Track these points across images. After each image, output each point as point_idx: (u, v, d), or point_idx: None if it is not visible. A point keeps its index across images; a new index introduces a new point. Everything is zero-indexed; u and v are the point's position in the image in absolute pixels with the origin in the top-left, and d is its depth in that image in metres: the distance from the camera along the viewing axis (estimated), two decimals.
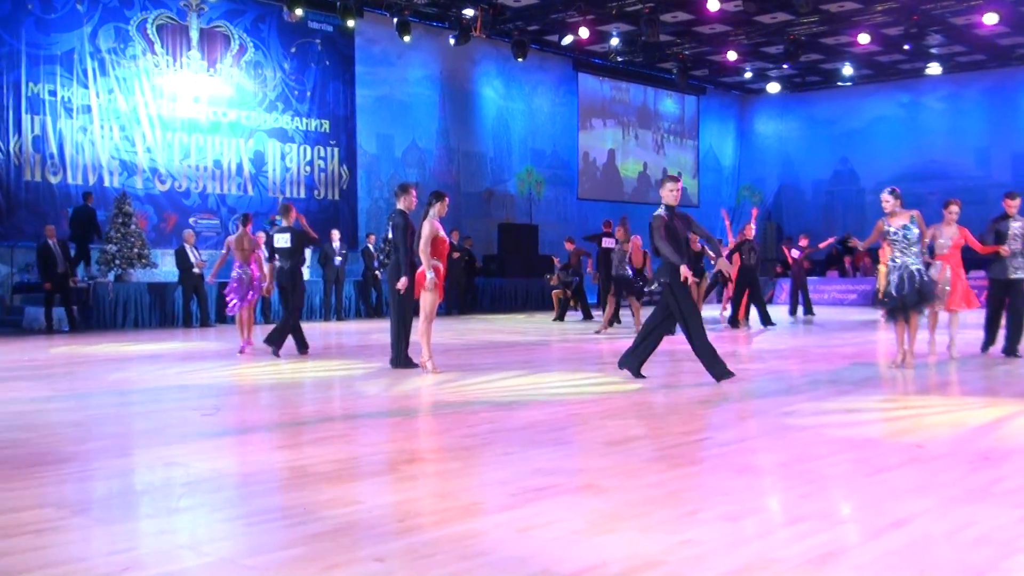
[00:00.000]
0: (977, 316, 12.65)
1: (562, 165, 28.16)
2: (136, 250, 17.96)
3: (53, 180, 18.55)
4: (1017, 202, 11.00)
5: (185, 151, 20.34)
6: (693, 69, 29.07)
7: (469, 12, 22.45)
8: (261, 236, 13.90)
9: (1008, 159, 28.56)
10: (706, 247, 14.71)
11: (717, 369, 8.74)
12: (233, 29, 21.16)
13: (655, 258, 10.66)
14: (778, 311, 20.45)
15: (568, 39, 24.27)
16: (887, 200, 9.83)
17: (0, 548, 3.77)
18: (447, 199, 10.21)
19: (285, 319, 11.98)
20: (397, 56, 23.87)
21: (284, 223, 12.24)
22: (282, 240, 12.10)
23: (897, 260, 9.74)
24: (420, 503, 4.49)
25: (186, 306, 18.08)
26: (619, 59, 28.04)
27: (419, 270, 9.75)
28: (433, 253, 9.74)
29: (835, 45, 26.90)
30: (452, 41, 23.63)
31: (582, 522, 4.07)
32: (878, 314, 12.16)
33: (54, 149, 18.56)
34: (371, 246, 20.95)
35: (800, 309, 19.49)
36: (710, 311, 19.01)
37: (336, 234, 20.45)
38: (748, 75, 30.51)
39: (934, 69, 28.38)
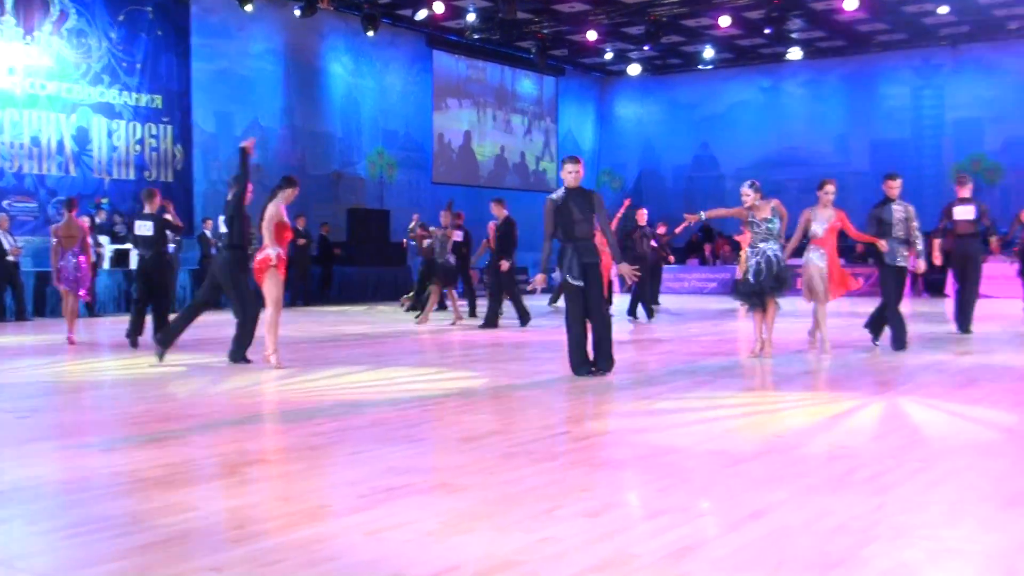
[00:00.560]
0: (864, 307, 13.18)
1: (415, 147, 28.07)
2: None
3: None
4: (899, 183, 10.99)
5: None
6: (552, 49, 29.37)
7: None
8: (85, 220, 13.42)
9: (866, 146, 29.87)
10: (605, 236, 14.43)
11: (573, 363, 8.87)
12: None
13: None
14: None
15: (422, 14, 24.18)
16: (747, 194, 10.17)
17: None
18: (298, 186, 10.03)
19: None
20: (237, 28, 23.32)
21: (147, 209, 11.94)
22: (144, 228, 11.83)
23: (756, 247, 10.13)
24: (262, 508, 4.42)
25: None
26: (475, 36, 28.10)
27: (259, 256, 9.56)
28: (279, 238, 9.58)
29: (696, 27, 27.60)
30: (297, 13, 23.23)
31: (436, 523, 4.08)
32: (737, 303, 12.53)
33: None
34: (208, 232, 20.44)
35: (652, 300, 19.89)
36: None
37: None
38: (608, 56, 31.02)
39: (795, 54, 29.43)
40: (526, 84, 31.66)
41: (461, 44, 28.80)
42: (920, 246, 10.99)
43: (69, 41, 20.47)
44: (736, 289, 10.70)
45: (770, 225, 10.10)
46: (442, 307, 17.99)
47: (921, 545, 3.76)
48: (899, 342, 10.83)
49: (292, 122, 24.66)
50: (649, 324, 15.39)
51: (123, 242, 18.96)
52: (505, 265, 14.88)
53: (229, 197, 10.40)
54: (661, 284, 20.53)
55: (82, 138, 20.63)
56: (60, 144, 20.28)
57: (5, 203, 19.25)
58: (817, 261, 10.57)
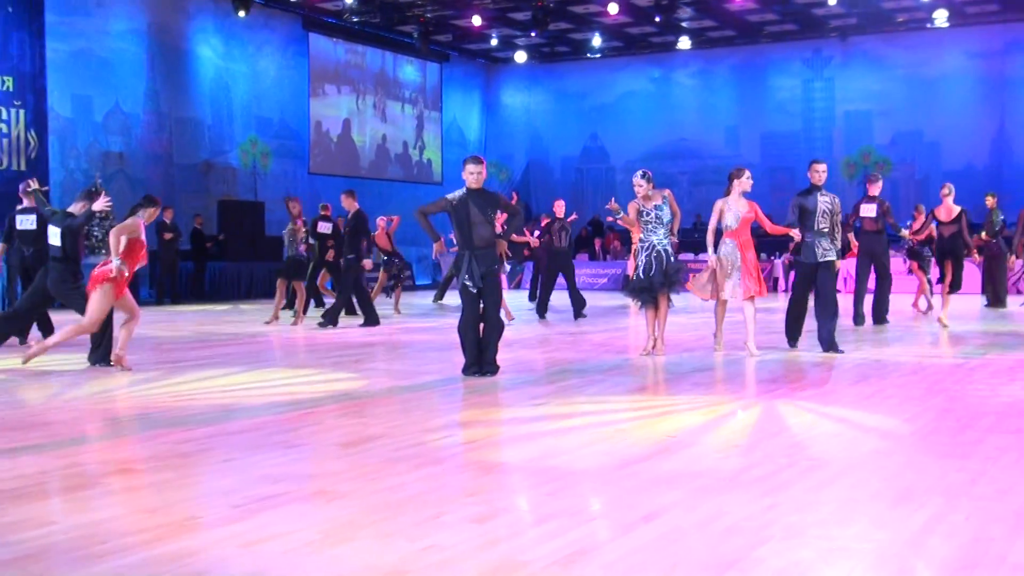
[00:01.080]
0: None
1: (291, 135, 27.69)
2: None
3: None
4: (824, 167, 10.72)
5: None
6: (435, 34, 29.32)
7: None
8: None
9: (757, 139, 30.58)
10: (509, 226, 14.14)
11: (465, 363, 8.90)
12: None
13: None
14: (520, 297, 21.02)
15: None
16: (640, 184, 10.29)
17: None
18: (160, 206, 9.80)
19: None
20: (96, 4, 22.66)
21: (26, 203, 11.65)
22: (26, 222, 11.52)
23: (645, 241, 10.26)
24: (127, 520, 4.32)
25: None
26: (354, 19, 27.87)
27: (100, 267, 9.20)
28: (130, 255, 9.24)
29: (585, 14, 27.86)
30: None
31: (315, 532, 4.04)
32: (628, 300, 12.70)
33: None
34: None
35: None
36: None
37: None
38: (494, 42, 31.09)
39: (684, 43, 29.96)
40: (408, 70, 31.54)
41: (339, 27, 28.52)
42: (839, 243, 10.70)
43: None
44: (626, 286, 10.84)
45: (660, 212, 10.23)
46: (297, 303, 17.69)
47: (814, 545, 3.87)
48: (790, 338, 10.96)
49: (157, 108, 24.07)
50: (545, 320, 15.45)
51: None
52: (368, 264, 15.00)
53: (74, 210, 10.07)
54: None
55: None
56: None
57: None
58: (729, 255, 10.38)
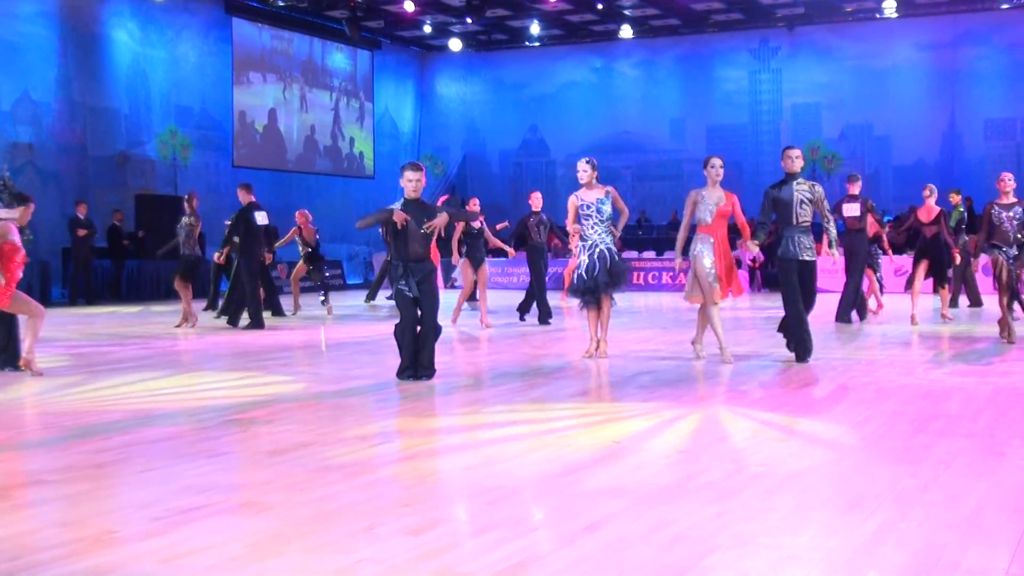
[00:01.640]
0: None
1: (213, 126, 27.43)
2: None
3: None
4: (799, 153, 10.01)
5: None
6: (366, 20, 29.20)
7: None
8: None
9: (703, 132, 30.85)
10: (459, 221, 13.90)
11: (399, 365, 8.88)
12: None
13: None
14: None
15: None
16: (584, 170, 10.32)
17: None
18: (32, 205, 9.59)
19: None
20: None
21: None
22: None
23: (587, 240, 10.25)
24: (40, 535, 4.27)
25: None
26: (280, 3, 27.68)
27: None
28: (3, 262, 8.97)
29: (522, 1, 27.93)
30: None
31: (241, 547, 4.01)
32: (571, 300, 12.74)
33: None
34: None
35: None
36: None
37: None
38: (428, 29, 31.05)
39: (627, 32, 30.14)
40: (338, 58, 31.37)
41: (264, 11, 28.30)
42: (834, 232, 10.02)
43: None
44: (570, 286, 10.83)
45: (601, 206, 10.23)
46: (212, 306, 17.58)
47: (763, 553, 3.92)
48: (802, 351, 9.95)
49: (70, 96, 23.69)
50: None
51: None
52: (268, 258, 15.08)
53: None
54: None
55: None
56: None
57: None
58: (706, 252, 9.92)
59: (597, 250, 10.19)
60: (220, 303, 16.68)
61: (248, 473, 5.44)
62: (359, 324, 15.66)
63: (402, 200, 8.78)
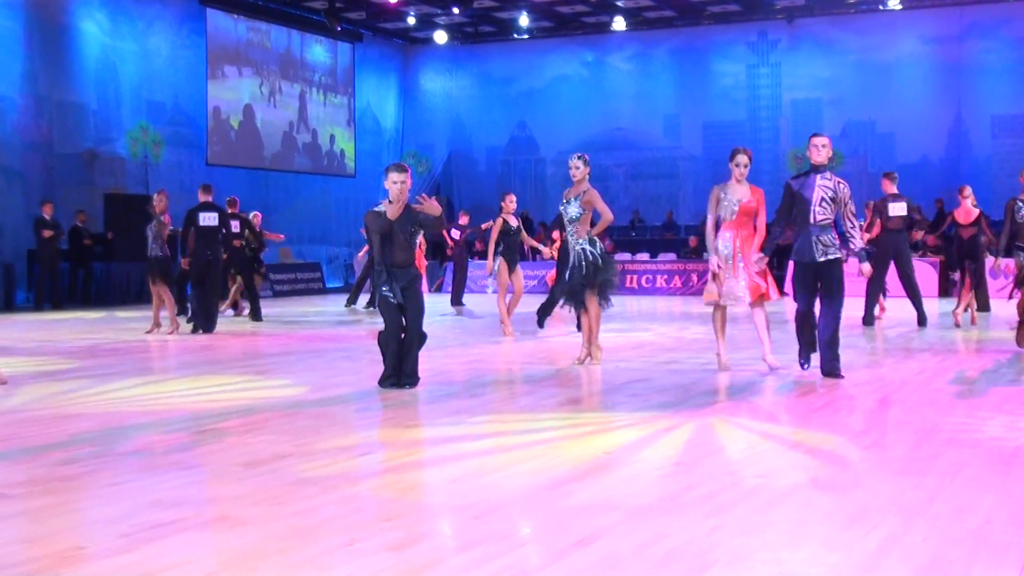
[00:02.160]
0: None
1: (186, 122, 27.36)
2: None
3: None
4: (825, 141, 9.26)
5: None
6: (346, 11, 29.18)
7: None
8: None
9: (699, 129, 30.86)
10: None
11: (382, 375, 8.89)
12: None
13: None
14: (443, 300, 21.00)
15: None
16: (576, 167, 10.39)
17: None
18: None
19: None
20: None
21: None
22: None
23: (567, 239, 10.35)
24: (2, 552, 4.24)
25: None
26: None
27: None
28: None
29: None
30: None
31: (214, 563, 4.01)
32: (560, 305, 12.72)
33: None
34: None
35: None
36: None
37: None
38: (412, 21, 31.00)
39: (620, 24, 30.15)
40: (317, 51, 31.33)
41: (240, 2, 28.26)
42: (858, 240, 9.31)
43: None
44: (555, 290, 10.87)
45: (568, 207, 10.34)
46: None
47: (761, 569, 3.92)
48: (808, 357, 9.62)
49: (35, 91, 23.61)
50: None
51: None
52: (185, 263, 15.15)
53: None
54: (466, 283, 20.58)
55: None
56: None
57: None
58: (722, 250, 9.59)
59: (574, 252, 10.26)
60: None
61: (222, 486, 5.42)
62: (339, 329, 15.63)
63: (387, 200, 8.77)
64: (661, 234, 29.56)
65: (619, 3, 28.79)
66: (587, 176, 10.40)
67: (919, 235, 15.91)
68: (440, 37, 31.56)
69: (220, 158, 28.01)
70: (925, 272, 16.94)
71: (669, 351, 11.74)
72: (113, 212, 23.49)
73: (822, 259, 9.07)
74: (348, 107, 32.51)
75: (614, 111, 31.54)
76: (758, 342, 9.91)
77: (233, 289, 17.65)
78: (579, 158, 10.45)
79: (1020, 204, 11.72)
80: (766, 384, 9.15)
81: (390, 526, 4.55)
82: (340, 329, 15.73)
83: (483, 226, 21.44)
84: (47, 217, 20.13)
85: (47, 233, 20.08)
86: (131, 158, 25.69)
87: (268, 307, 19.02)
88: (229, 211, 16.71)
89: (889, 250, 14.81)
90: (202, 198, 15.28)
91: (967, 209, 14.90)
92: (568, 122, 31.83)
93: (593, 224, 10.50)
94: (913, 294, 14.92)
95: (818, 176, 9.13)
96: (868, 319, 14.87)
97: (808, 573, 3.88)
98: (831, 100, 29.34)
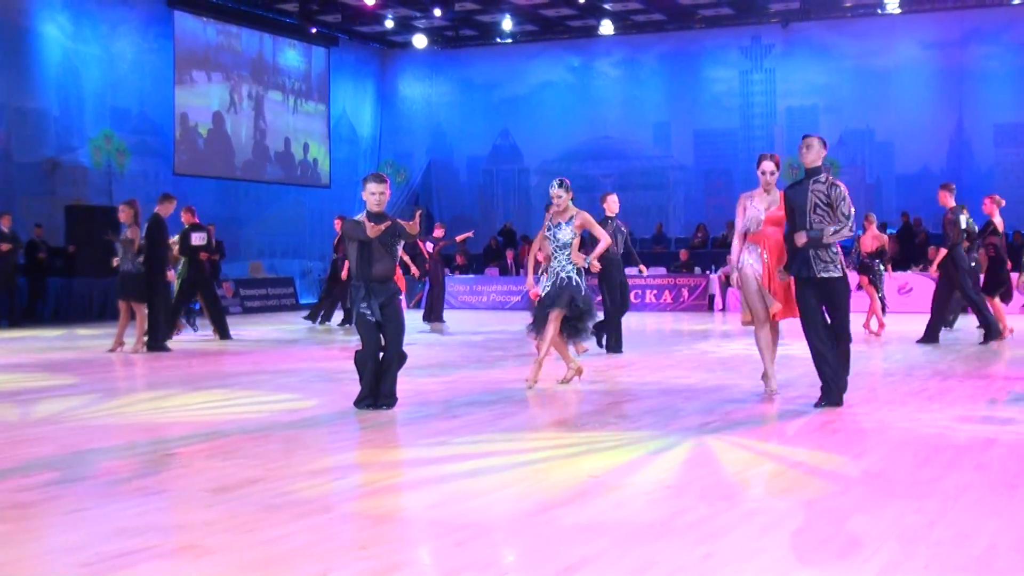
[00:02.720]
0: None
1: (152, 130, 27.33)
2: None
3: None
4: (816, 142, 8.88)
5: None
6: (321, 13, 29.22)
7: None
8: None
9: (690, 137, 30.95)
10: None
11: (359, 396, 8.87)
12: None
13: None
14: (415, 317, 21.00)
15: None
16: (559, 195, 10.18)
17: None
18: None
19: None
20: None
21: None
22: None
23: (552, 263, 10.27)
24: None
25: None
26: None
27: None
28: None
29: None
30: None
31: None
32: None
33: None
34: None
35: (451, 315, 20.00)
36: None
37: None
38: (390, 24, 31.04)
39: (607, 28, 30.24)
40: (291, 55, 31.35)
41: (209, 5, 28.26)
42: (833, 236, 8.57)
43: None
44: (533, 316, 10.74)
45: (557, 232, 10.25)
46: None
47: None
48: (829, 395, 8.82)
49: None
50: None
51: None
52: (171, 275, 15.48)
53: None
54: (444, 299, 20.61)
55: None
56: None
57: None
58: (753, 264, 9.26)
59: (558, 278, 10.18)
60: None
61: (189, 513, 5.40)
62: (311, 348, 15.60)
63: (365, 213, 8.76)
64: (650, 247, 29.55)
65: (607, 6, 28.87)
66: (570, 202, 10.28)
67: (886, 246, 16.53)
68: (419, 41, 31.61)
69: (188, 167, 27.96)
70: (926, 286, 16.99)
71: (659, 370, 11.74)
72: (75, 224, 23.40)
73: (823, 275, 8.60)
74: (323, 114, 32.51)
75: (601, 119, 31.59)
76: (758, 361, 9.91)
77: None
78: (560, 185, 10.21)
79: None
80: (759, 404, 9.16)
81: (366, 554, 4.53)
82: (313, 348, 15.70)
83: (458, 238, 21.47)
84: (5, 230, 20.03)
85: (5, 247, 19.97)
86: (94, 167, 25.63)
87: (237, 324, 18.98)
88: (193, 223, 16.69)
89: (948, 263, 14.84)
90: (167, 211, 15.20)
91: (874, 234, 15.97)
92: (553, 130, 31.87)
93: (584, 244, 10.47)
94: (975, 307, 15.03)
95: (811, 181, 8.74)
96: (932, 336, 14.76)
97: None
98: (827, 107, 29.42)
